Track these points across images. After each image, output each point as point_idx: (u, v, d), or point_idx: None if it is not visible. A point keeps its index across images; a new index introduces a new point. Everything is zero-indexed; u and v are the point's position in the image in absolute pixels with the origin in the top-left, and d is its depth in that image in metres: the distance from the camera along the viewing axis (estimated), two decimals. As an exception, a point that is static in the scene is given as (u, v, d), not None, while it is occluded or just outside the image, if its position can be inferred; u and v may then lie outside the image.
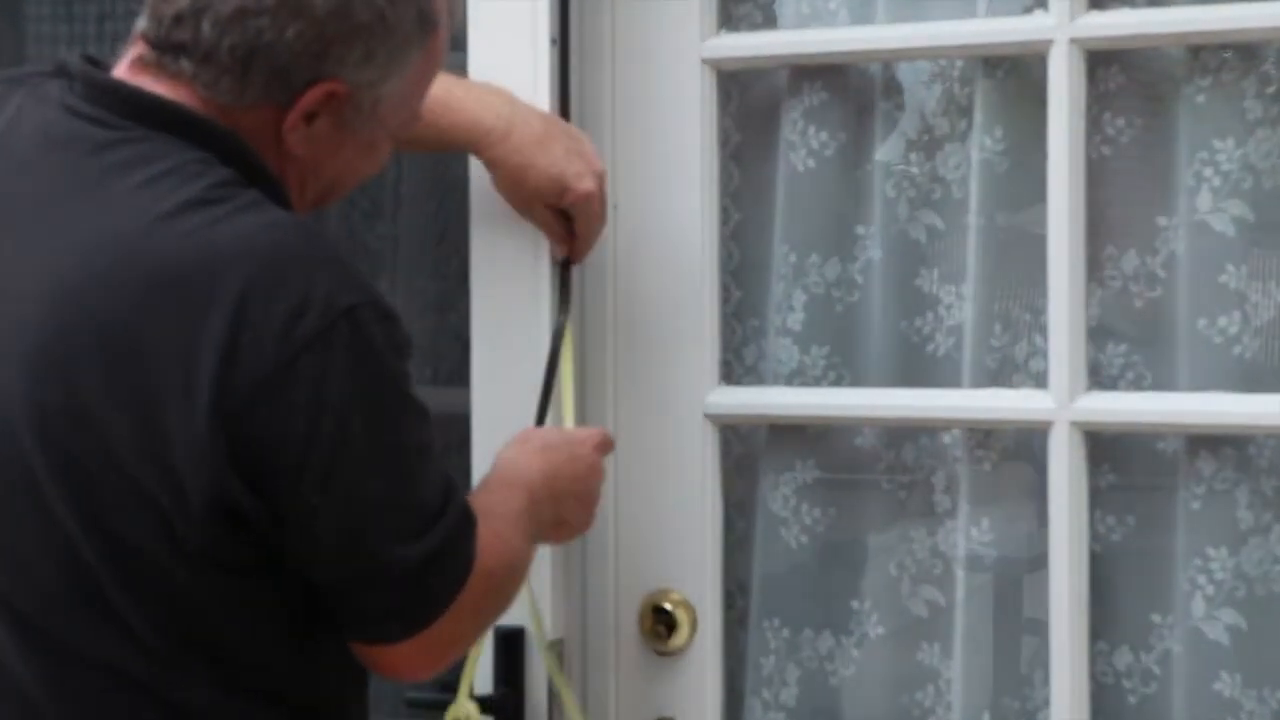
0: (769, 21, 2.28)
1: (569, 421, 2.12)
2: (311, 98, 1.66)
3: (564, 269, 2.16)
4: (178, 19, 1.65)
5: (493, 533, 1.75)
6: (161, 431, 1.57)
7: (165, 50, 1.67)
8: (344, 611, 1.68)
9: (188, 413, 1.56)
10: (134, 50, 1.70)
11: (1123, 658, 2.16)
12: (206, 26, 1.64)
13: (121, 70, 1.71)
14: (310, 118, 1.68)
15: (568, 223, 2.11)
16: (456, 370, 2.32)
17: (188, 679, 1.64)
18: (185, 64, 1.66)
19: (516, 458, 1.90)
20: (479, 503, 1.76)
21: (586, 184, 2.08)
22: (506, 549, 1.78)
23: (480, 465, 2.18)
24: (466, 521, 1.71)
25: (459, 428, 2.25)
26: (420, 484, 1.67)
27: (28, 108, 1.72)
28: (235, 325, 1.56)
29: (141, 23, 1.69)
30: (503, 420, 2.16)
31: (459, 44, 2.21)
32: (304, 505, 1.61)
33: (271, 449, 1.58)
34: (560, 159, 2.07)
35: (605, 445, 2.02)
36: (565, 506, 1.93)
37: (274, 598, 1.67)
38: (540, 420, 2.09)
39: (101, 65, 1.74)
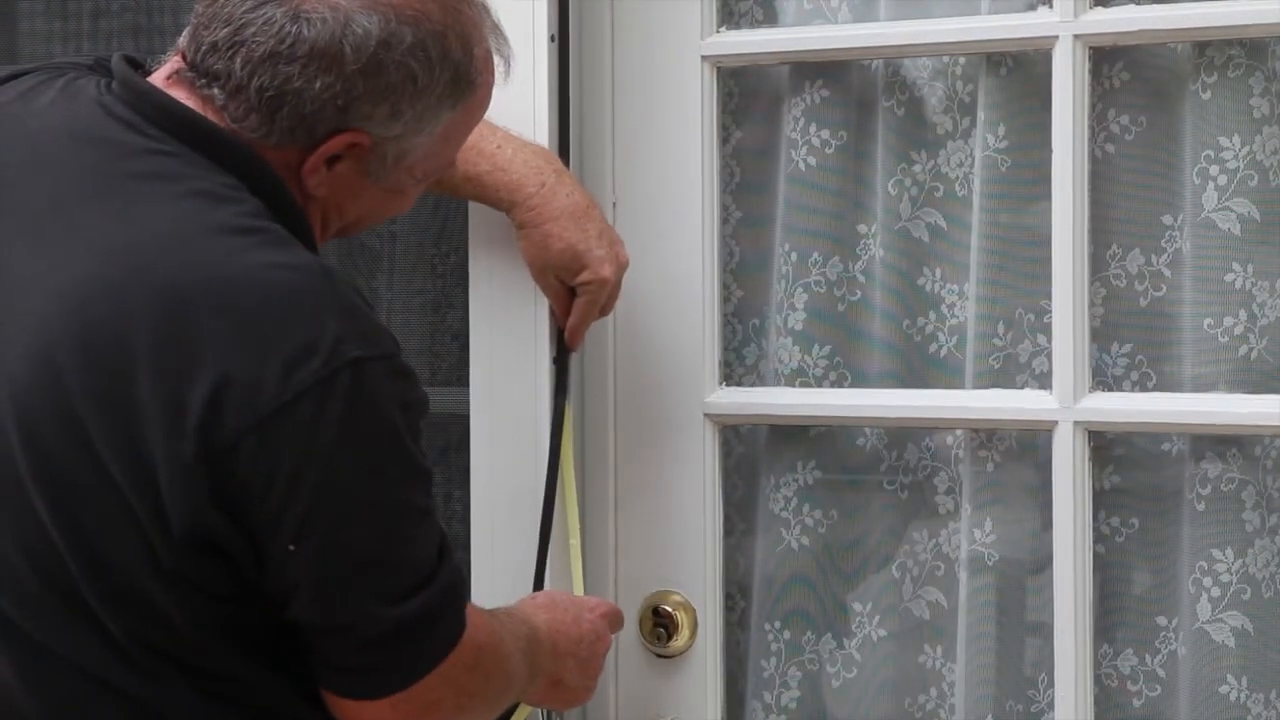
0: (770, 18, 2.27)
1: (571, 508, 2.11)
2: (333, 145, 1.66)
3: (561, 354, 2.14)
4: (214, 47, 1.64)
5: (489, 625, 1.75)
6: (148, 453, 1.56)
7: (200, 74, 1.66)
8: (317, 659, 1.67)
9: (175, 440, 1.55)
10: (172, 63, 1.70)
11: (1127, 660, 2.15)
12: (239, 63, 1.63)
13: (158, 79, 1.70)
14: (332, 161, 1.67)
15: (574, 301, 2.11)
16: (456, 370, 2.31)
17: (163, 685, 1.64)
18: (217, 92, 1.65)
19: (524, 607, 1.91)
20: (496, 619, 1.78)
21: (605, 270, 2.07)
22: (498, 641, 1.76)
23: (479, 465, 2.18)
24: (455, 591, 1.69)
25: (458, 428, 2.24)
26: (409, 545, 1.65)
27: (60, 101, 1.71)
28: (236, 360, 1.55)
29: (183, 39, 1.69)
30: (502, 420, 2.16)
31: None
32: (282, 550, 1.60)
33: (255, 489, 1.57)
34: (590, 238, 2.06)
35: (613, 618, 2.02)
36: (564, 666, 1.91)
37: (253, 624, 1.65)
38: (547, 508, 2.09)
39: (141, 67, 1.73)
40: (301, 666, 1.68)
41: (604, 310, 2.11)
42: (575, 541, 2.13)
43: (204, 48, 1.65)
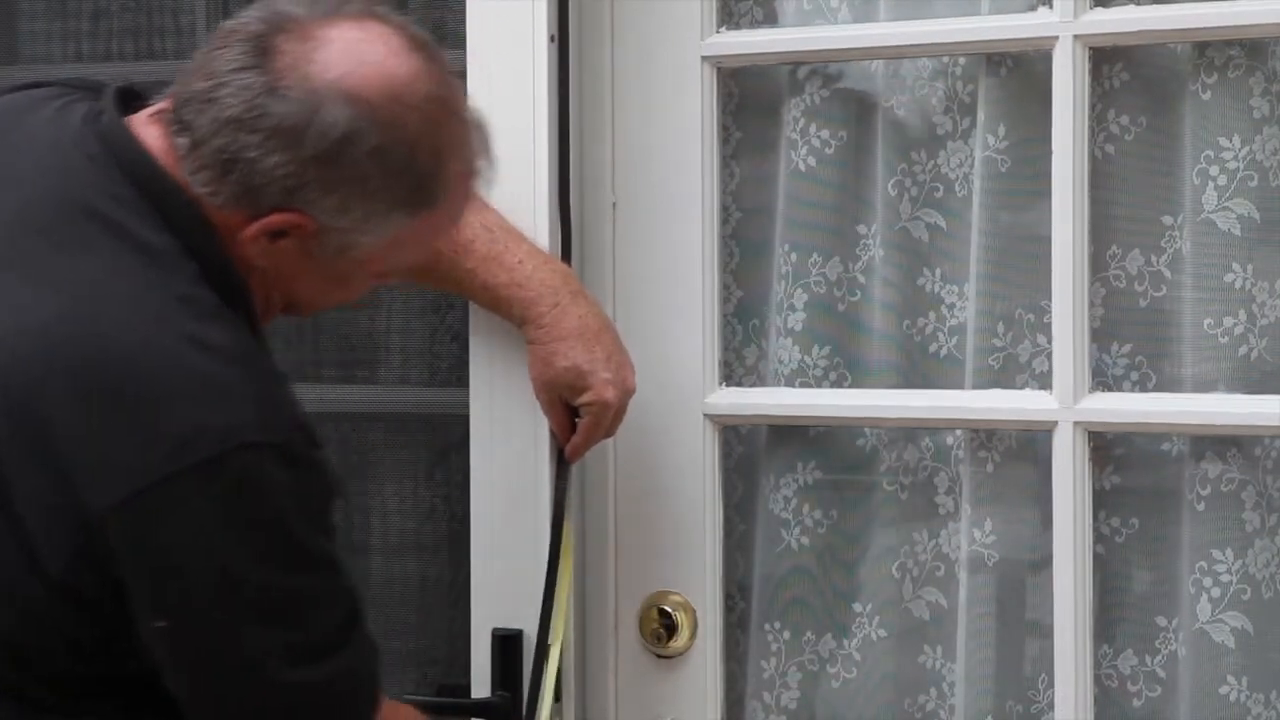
0: (770, 19, 2.27)
1: (561, 611, 2.11)
2: (275, 221, 1.66)
3: (561, 465, 2.14)
4: (191, 98, 1.66)
5: None
6: (40, 498, 1.59)
7: (175, 119, 1.67)
8: None
9: (59, 494, 1.58)
10: (163, 101, 1.71)
11: (1127, 661, 2.15)
12: (207, 119, 1.64)
13: (144, 115, 1.72)
14: (276, 236, 1.67)
15: (575, 420, 2.10)
16: (456, 370, 2.31)
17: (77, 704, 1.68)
18: (183, 141, 1.66)
19: None
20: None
21: (608, 393, 2.06)
22: None
23: (479, 466, 2.18)
24: (350, 680, 1.70)
25: (458, 428, 2.24)
26: (293, 629, 1.66)
27: (51, 123, 1.73)
28: (123, 435, 1.57)
29: (176, 81, 1.70)
30: (501, 420, 2.15)
31: (458, 41, 2.20)
32: (149, 625, 1.62)
33: (126, 562, 1.59)
34: (596, 360, 2.05)
35: None
36: None
37: (123, 681, 1.68)
38: (545, 613, 2.09)
39: (140, 98, 1.75)
40: None
41: (608, 432, 2.11)
42: (555, 650, 2.12)
43: (184, 95, 1.67)
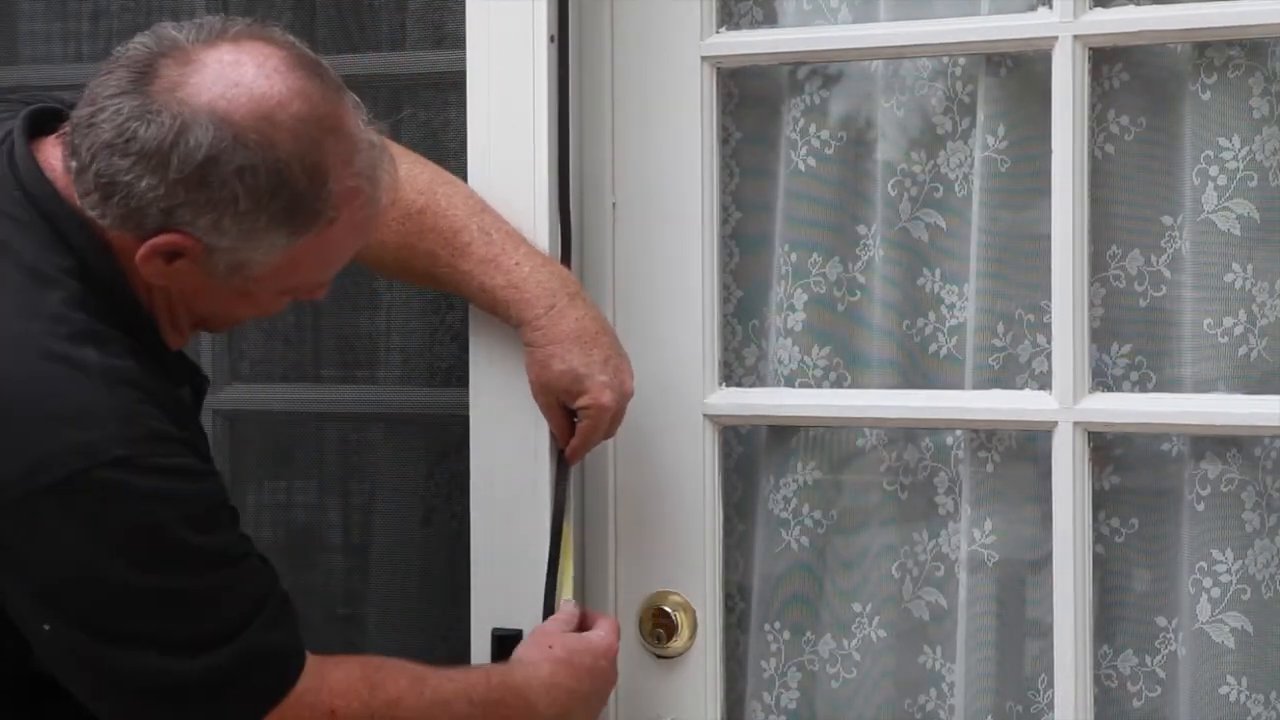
0: (770, 19, 2.27)
1: (567, 590, 2.12)
2: (160, 242, 1.68)
3: (561, 466, 2.14)
4: (78, 124, 1.69)
5: (368, 691, 1.82)
6: None
7: (69, 143, 1.70)
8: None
9: None
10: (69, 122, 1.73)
11: (1127, 661, 2.15)
12: (87, 144, 1.67)
13: (55, 135, 1.74)
14: (172, 256, 1.69)
15: (574, 422, 2.10)
16: (456, 370, 2.30)
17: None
18: (74, 164, 1.69)
19: (538, 663, 1.97)
20: (439, 677, 1.86)
21: (605, 397, 2.06)
22: (394, 706, 1.83)
23: (479, 466, 2.18)
24: (250, 661, 1.73)
25: (458, 429, 2.24)
26: (178, 626, 1.69)
27: None
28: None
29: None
30: (501, 420, 2.15)
31: (458, 41, 2.20)
32: (38, 628, 1.67)
33: (4, 571, 1.64)
34: (593, 363, 2.05)
35: (616, 648, 2.06)
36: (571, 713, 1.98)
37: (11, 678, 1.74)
38: (546, 613, 2.10)
39: (59, 117, 1.76)
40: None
41: (606, 434, 2.11)
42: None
43: (75, 120, 1.70)
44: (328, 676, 1.79)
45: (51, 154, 1.73)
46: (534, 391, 2.09)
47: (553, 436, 2.13)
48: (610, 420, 2.08)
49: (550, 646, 2.00)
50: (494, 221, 2.08)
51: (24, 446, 1.62)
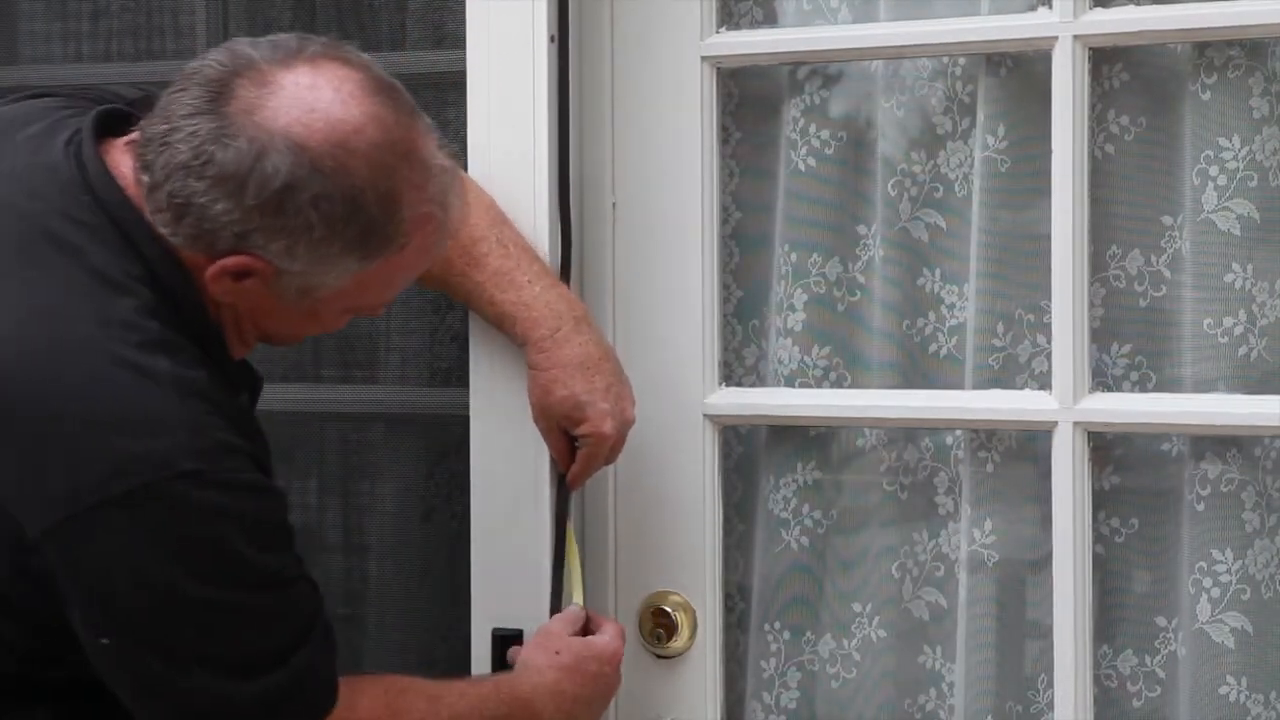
0: (770, 19, 2.27)
1: (578, 598, 2.12)
2: (231, 263, 1.67)
3: (561, 489, 2.14)
4: (151, 139, 1.67)
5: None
6: None
7: (140, 156, 1.69)
8: None
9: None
10: (137, 130, 1.71)
11: (1127, 661, 2.15)
12: (161, 162, 1.66)
13: (121, 141, 1.73)
14: (240, 276, 1.68)
15: (575, 448, 2.10)
16: (456, 371, 2.30)
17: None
18: (146, 178, 1.68)
19: (542, 670, 1.98)
20: (452, 692, 1.86)
21: (606, 425, 2.05)
22: None
23: (479, 467, 2.18)
24: (300, 685, 1.72)
25: (458, 429, 2.24)
26: (233, 646, 1.68)
27: (36, 139, 1.74)
28: (59, 460, 1.60)
29: (146, 117, 1.70)
30: (501, 420, 2.15)
31: (458, 41, 2.20)
32: (94, 641, 1.65)
33: (64, 581, 1.61)
34: (595, 391, 2.05)
35: (621, 653, 2.07)
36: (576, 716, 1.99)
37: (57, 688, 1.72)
38: (555, 599, 2.11)
39: (128, 119, 1.75)
40: None
41: (607, 461, 2.11)
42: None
43: (148, 135, 1.68)
44: (357, 706, 1.79)
45: (120, 160, 1.71)
46: (535, 415, 2.08)
47: (553, 461, 2.12)
48: (610, 448, 2.08)
49: (557, 652, 2.00)
50: (512, 235, 2.08)
51: (94, 454, 1.60)
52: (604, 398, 2.05)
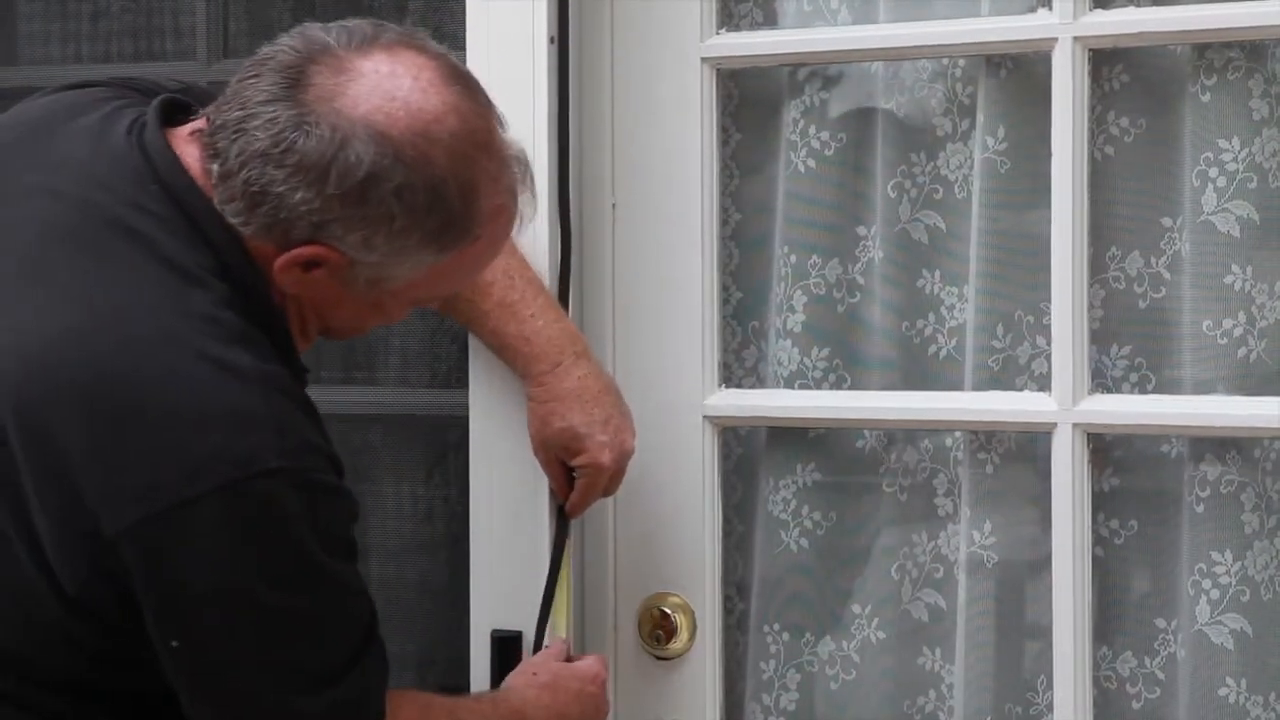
0: (769, 20, 2.27)
1: (561, 629, 2.13)
2: (304, 253, 1.65)
3: (560, 518, 2.14)
4: (224, 126, 1.64)
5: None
6: (56, 516, 1.59)
7: (209, 145, 1.66)
8: None
9: (75, 512, 1.57)
10: (202, 119, 1.69)
11: (1126, 663, 2.15)
12: (235, 150, 1.62)
13: (184, 131, 1.70)
14: (309, 266, 1.66)
15: (573, 478, 2.10)
16: (456, 371, 2.30)
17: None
18: (215, 168, 1.65)
19: (524, 689, 1.97)
20: (463, 708, 1.86)
21: (604, 457, 2.05)
22: None
23: (479, 467, 2.18)
24: (356, 705, 1.70)
25: (457, 430, 2.24)
26: (301, 653, 1.65)
27: (95, 128, 1.72)
28: (144, 455, 1.57)
29: (216, 102, 1.68)
30: (501, 421, 2.15)
31: (458, 42, 2.20)
32: (165, 644, 1.62)
33: (140, 580, 1.59)
34: (593, 422, 2.05)
35: (604, 676, 2.07)
36: None
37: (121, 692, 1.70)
38: (541, 624, 2.11)
39: (186, 109, 1.73)
40: None
41: (605, 492, 2.11)
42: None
43: (218, 121, 1.65)
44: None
45: (186, 150, 1.68)
46: (534, 447, 2.08)
47: (552, 493, 2.12)
48: (609, 479, 2.08)
49: (535, 674, 2.01)
50: (520, 266, 2.07)
51: (175, 451, 1.56)
52: (602, 429, 2.05)
